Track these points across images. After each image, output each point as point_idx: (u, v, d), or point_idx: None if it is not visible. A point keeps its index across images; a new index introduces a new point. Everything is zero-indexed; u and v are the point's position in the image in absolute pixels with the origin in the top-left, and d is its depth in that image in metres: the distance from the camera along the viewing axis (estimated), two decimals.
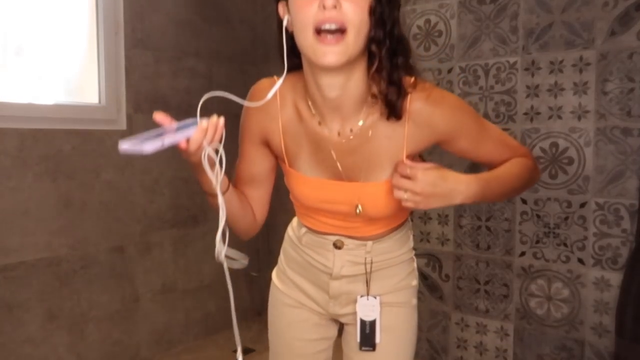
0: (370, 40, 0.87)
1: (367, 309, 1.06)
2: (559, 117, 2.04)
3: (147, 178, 2.43)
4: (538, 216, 2.10)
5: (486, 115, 2.19)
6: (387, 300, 1.08)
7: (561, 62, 2.02)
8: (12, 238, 2.01)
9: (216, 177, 0.86)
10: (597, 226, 1.98)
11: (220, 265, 0.86)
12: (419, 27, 2.35)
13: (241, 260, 0.94)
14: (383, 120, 0.94)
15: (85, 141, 2.21)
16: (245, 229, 1.06)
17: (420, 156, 1.05)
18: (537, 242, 2.11)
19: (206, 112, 0.83)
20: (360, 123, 0.95)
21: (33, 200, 2.06)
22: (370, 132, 0.95)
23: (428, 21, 2.32)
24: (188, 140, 0.83)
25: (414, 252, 1.16)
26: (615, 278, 1.96)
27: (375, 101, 0.93)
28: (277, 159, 1.06)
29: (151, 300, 2.49)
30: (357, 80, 0.91)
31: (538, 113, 2.09)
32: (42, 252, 2.09)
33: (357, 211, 0.99)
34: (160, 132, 0.81)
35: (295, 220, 1.17)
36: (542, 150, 2.08)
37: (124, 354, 2.39)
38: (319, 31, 0.84)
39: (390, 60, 0.88)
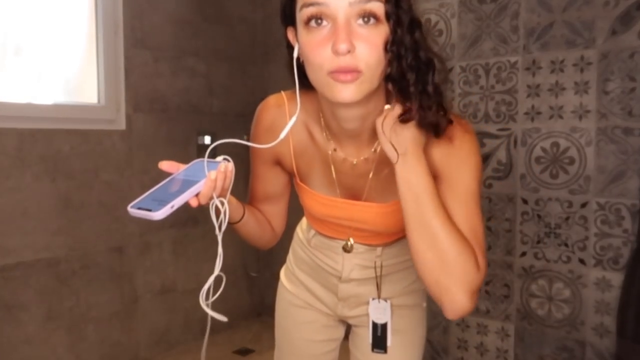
0: (387, 77, 0.80)
1: (379, 311, 1.05)
2: (560, 117, 2.03)
3: (146, 178, 2.42)
4: (539, 216, 2.09)
5: (487, 115, 2.19)
6: (397, 302, 1.08)
7: (562, 61, 2.02)
8: (11, 238, 2.01)
9: (220, 232, 0.82)
10: (598, 226, 1.98)
11: (220, 266, 0.85)
12: None
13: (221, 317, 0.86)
14: None
15: (84, 141, 2.21)
16: (264, 244, 1.06)
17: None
18: (538, 242, 2.10)
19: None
20: (373, 150, 0.92)
21: (32, 201, 2.05)
22: (384, 158, 0.90)
23: (428, 20, 2.32)
24: (197, 194, 0.78)
25: None
26: (616, 278, 1.95)
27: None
28: (289, 174, 1.04)
29: (150, 300, 2.48)
30: (375, 109, 0.86)
31: (539, 113, 2.08)
32: (41, 252, 2.08)
33: (349, 244, 1.02)
34: (169, 180, 0.79)
35: (304, 221, 1.16)
36: (543, 150, 2.07)
37: (123, 354, 2.38)
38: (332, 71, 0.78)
39: (417, 90, 0.79)
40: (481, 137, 2.20)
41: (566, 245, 2.04)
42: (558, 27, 2.01)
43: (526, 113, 2.11)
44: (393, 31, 0.78)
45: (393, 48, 0.78)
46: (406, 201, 0.81)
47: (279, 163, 1.01)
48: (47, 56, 2.19)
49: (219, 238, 0.81)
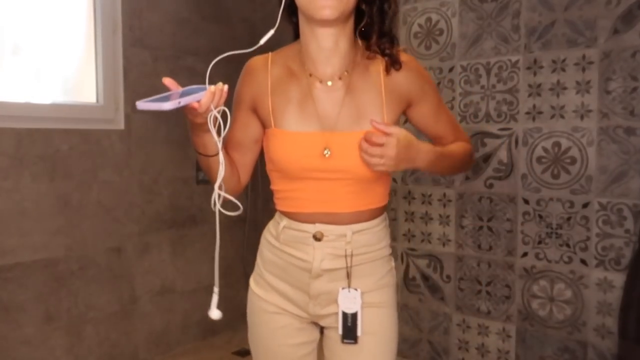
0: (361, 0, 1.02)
1: (349, 300, 1.07)
2: (562, 117, 2.02)
3: (145, 178, 2.41)
4: (540, 216, 2.08)
5: (488, 115, 2.18)
6: (368, 300, 1.08)
7: (563, 60, 2.01)
8: (9, 239, 1.99)
9: (221, 138, 0.96)
10: (600, 226, 1.97)
11: (220, 265, 0.87)
12: (419, 25, 2.34)
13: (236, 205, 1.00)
14: (367, 75, 1.07)
15: (83, 141, 2.19)
16: (230, 188, 1.09)
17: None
18: (540, 242, 2.09)
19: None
20: (346, 71, 1.06)
21: (30, 201, 2.04)
22: (355, 85, 1.06)
23: (429, 19, 2.31)
24: (198, 102, 0.92)
25: (391, 249, 1.17)
26: (618, 279, 1.94)
27: (366, 55, 1.07)
28: (263, 128, 1.11)
29: (149, 301, 2.47)
30: (347, 35, 1.05)
31: (540, 112, 2.07)
32: (39, 252, 2.07)
33: (325, 153, 1.03)
34: (167, 96, 0.88)
35: (271, 223, 1.17)
36: (545, 149, 2.06)
37: (122, 355, 2.37)
38: None
39: (380, 16, 1.03)
40: (482, 136, 2.19)
41: (568, 245, 2.03)
42: (559, 26, 2.00)
43: (527, 113, 2.10)
44: None
45: None
46: (438, 171, 1.14)
47: (255, 111, 1.10)
48: (45, 55, 2.18)
49: (220, 145, 0.95)
